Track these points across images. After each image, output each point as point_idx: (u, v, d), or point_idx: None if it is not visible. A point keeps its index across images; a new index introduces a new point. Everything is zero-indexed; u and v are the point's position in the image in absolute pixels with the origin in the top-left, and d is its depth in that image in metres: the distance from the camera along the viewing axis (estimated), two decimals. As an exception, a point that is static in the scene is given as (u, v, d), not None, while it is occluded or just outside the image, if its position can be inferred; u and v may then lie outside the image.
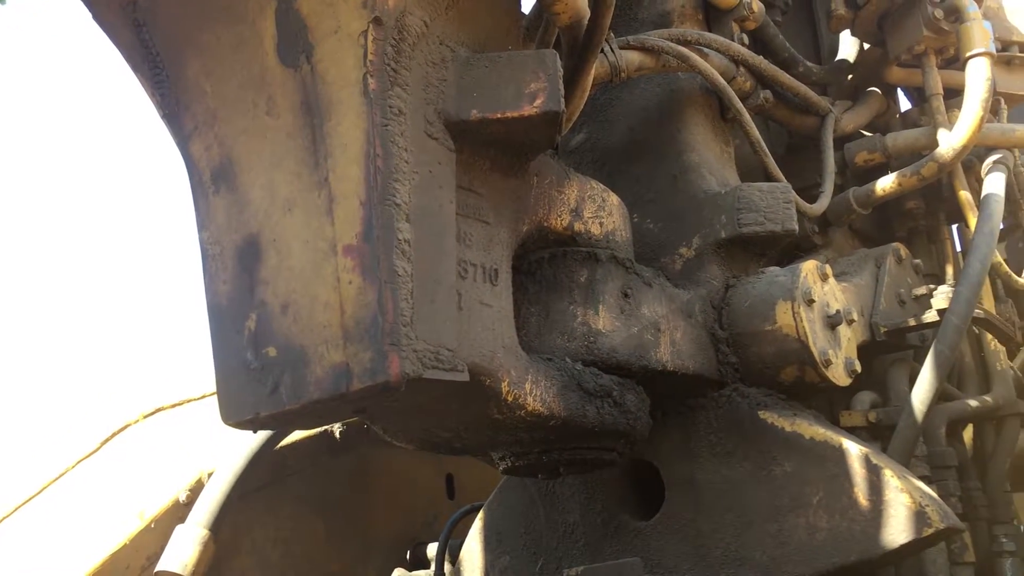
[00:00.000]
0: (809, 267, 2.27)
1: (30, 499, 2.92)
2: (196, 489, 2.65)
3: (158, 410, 3.30)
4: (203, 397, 3.34)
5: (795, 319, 2.17)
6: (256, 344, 1.65)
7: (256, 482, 2.70)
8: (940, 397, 2.40)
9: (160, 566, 2.43)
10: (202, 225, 1.78)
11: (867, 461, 2.03)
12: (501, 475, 2.68)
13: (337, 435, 3.06)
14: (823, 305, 2.27)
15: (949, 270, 2.97)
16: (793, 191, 2.42)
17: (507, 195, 1.87)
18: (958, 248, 3.15)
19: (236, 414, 1.68)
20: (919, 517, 1.96)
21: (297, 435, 2.86)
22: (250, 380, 1.65)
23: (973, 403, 2.68)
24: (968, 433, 2.83)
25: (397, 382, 1.51)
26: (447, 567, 2.89)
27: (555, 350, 1.96)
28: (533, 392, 1.81)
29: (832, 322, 2.27)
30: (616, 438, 2.02)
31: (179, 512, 2.62)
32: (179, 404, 3.35)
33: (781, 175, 2.53)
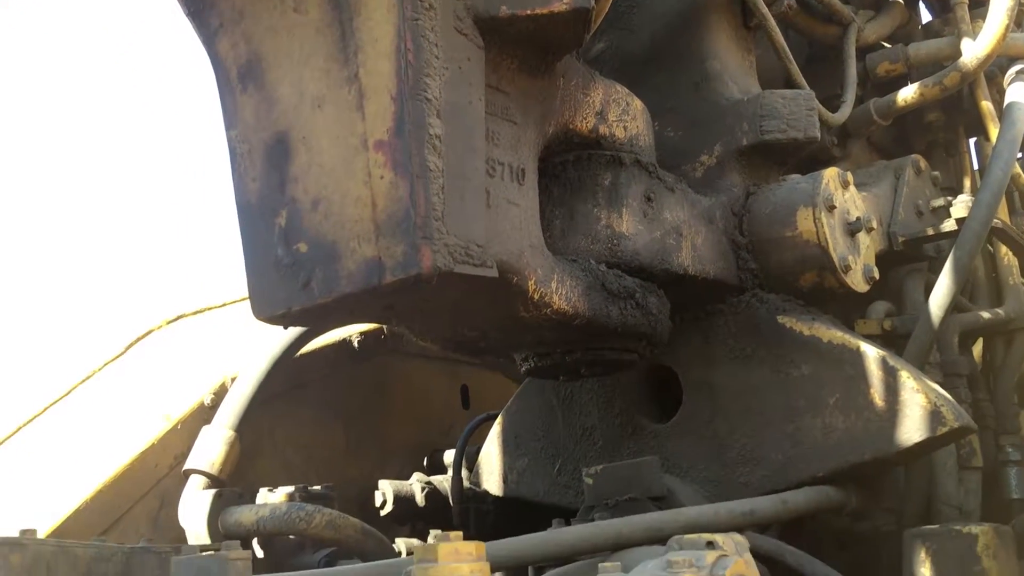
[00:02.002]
0: (831, 174, 2.27)
1: (59, 399, 2.98)
2: (220, 393, 2.70)
3: (180, 317, 3.35)
4: (224, 305, 3.39)
5: (816, 225, 2.19)
6: (287, 240, 1.67)
7: (278, 387, 2.75)
8: (953, 308, 2.42)
9: (188, 465, 2.49)
10: (230, 124, 1.78)
11: (884, 363, 2.06)
12: (517, 384, 2.73)
13: (356, 344, 3.10)
14: (843, 212, 2.28)
15: (967, 183, 2.97)
16: (816, 99, 2.41)
17: (534, 95, 1.87)
18: (975, 164, 3.14)
19: (268, 309, 1.71)
20: (934, 416, 2.00)
21: (317, 343, 2.90)
22: (281, 276, 1.67)
23: (985, 315, 2.70)
24: (978, 347, 2.86)
25: (429, 275, 1.53)
26: (464, 472, 2.95)
27: (579, 252, 1.98)
28: (559, 291, 1.83)
29: (852, 229, 2.28)
30: (638, 339, 2.06)
31: (204, 414, 2.68)
32: (200, 311, 3.39)
33: (804, 83, 2.52)
